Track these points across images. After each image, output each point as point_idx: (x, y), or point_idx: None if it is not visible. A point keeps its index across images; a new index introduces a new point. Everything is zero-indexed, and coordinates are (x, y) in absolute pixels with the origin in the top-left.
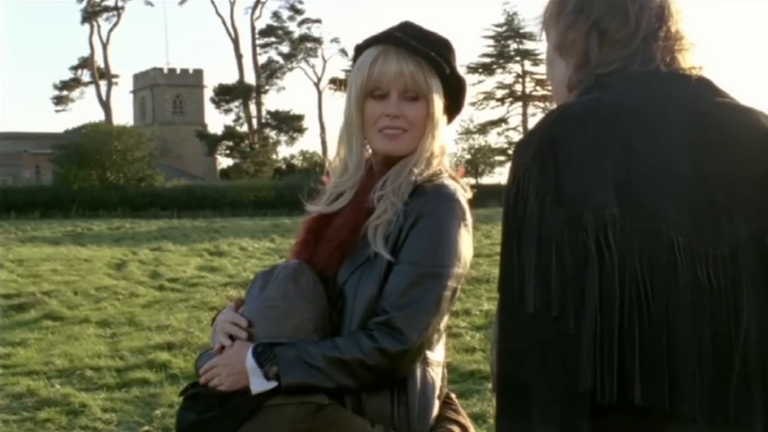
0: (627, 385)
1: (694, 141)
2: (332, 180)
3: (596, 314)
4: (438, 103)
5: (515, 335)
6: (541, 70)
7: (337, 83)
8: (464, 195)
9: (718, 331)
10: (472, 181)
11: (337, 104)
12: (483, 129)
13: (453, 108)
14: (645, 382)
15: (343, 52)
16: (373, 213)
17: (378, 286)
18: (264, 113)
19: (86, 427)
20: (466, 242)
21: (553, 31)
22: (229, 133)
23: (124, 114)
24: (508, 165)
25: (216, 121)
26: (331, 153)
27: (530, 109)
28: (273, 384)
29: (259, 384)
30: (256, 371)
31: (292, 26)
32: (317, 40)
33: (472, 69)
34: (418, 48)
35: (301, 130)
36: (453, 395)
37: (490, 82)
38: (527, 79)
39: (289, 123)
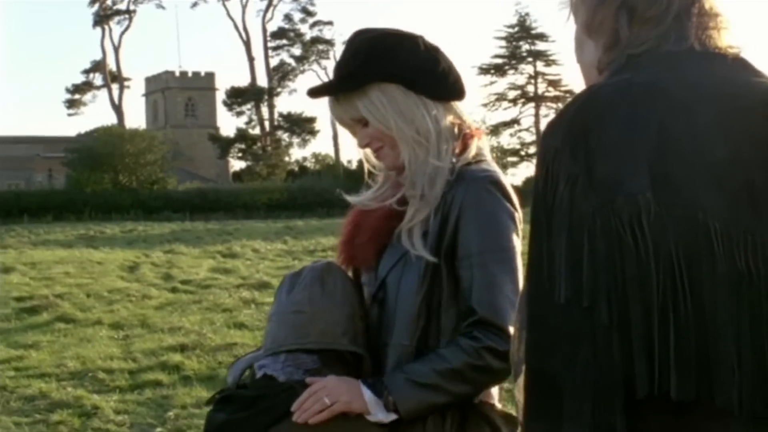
0: (662, 378)
1: (731, 123)
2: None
3: (630, 304)
4: (379, 112)
5: (544, 326)
6: (554, 71)
7: None
8: (499, 175)
9: (757, 320)
10: None
11: None
12: (495, 130)
13: (422, 86)
14: (681, 374)
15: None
16: (405, 214)
17: (420, 284)
18: (276, 115)
19: (99, 429)
20: (516, 224)
21: (581, 11)
22: (242, 135)
23: (136, 117)
24: (522, 165)
25: (228, 123)
26: (344, 155)
27: (543, 110)
28: (393, 416)
29: (381, 416)
30: (378, 404)
31: (303, 28)
32: (329, 42)
33: (484, 70)
34: (324, 87)
35: (313, 132)
36: None
37: (502, 83)
38: (539, 80)
39: (301, 125)
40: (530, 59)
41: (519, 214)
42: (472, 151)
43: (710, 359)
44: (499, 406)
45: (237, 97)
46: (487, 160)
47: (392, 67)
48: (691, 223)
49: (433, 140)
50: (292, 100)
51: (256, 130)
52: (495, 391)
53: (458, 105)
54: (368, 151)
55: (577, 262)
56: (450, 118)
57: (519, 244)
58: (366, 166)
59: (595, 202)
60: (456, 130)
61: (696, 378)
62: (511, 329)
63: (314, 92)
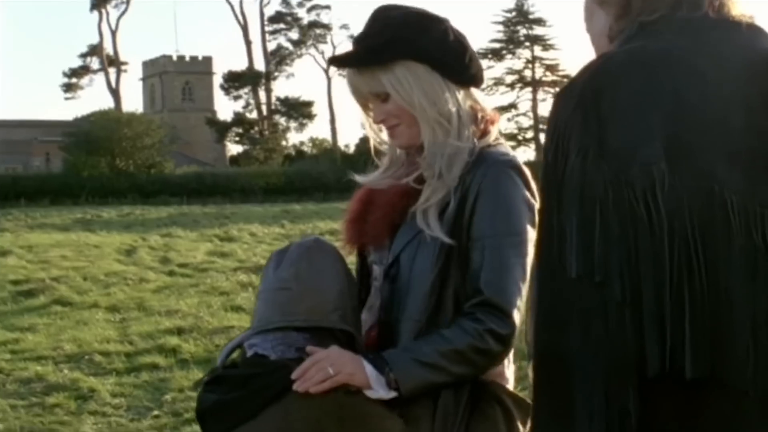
0: (675, 356)
1: (748, 92)
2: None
3: (644, 279)
4: (404, 89)
5: (555, 303)
6: (551, 55)
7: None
8: (517, 159)
9: None
10: None
11: (346, 91)
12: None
13: (450, 70)
14: (695, 352)
15: (352, 38)
16: (421, 193)
17: (434, 262)
18: (273, 100)
19: (95, 412)
20: (531, 206)
21: None
22: (239, 119)
23: (133, 101)
24: (519, 150)
25: (225, 107)
26: (341, 139)
27: (540, 95)
28: (393, 394)
29: (382, 392)
30: (379, 380)
31: (301, 12)
32: (326, 27)
33: (482, 54)
34: (347, 58)
35: (310, 117)
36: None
37: (499, 68)
38: (537, 65)
39: (298, 109)
40: (528, 44)
41: (536, 202)
42: (492, 135)
43: (725, 337)
44: (511, 388)
45: (234, 81)
46: (504, 145)
47: (422, 47)
48: (706, 195)
49: (454, 123)
50: (290, 84)
51: (254, 114)
52: (510, 373)
53: (476, 91)
54: (376, 127)
55: (588, 236)
56: (470, 103)
57: (533, 231)
58: (372, 142)
59: (607, 174)
60: (477, 115)
61: (710, 356)
62: (516, 315)
63: (337, 61)
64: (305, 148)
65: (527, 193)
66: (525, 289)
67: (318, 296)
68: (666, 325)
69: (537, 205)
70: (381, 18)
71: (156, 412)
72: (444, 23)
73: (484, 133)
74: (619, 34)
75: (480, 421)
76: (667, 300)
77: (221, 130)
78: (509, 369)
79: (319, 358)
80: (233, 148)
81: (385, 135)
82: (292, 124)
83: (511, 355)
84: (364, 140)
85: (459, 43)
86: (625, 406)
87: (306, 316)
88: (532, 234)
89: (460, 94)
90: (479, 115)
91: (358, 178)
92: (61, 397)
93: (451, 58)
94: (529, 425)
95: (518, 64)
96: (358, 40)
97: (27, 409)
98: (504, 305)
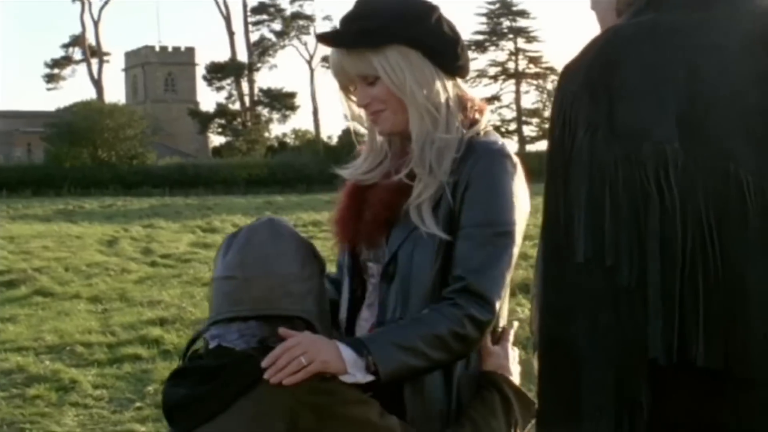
0: (688, 345)
1: (763, 67)
2: (362, 154)
3: (655, 263)
4: (396, 74)
5: (561, 289)
6: (534, 47)
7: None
8: (508, 148)
9: None
10: None
11: (329, 82)
12: None
13: (442, 59)
14: (709, 341)
15: (341, 18)
16: (413, 189)
17: (434, 259)
18: (256, 91)
19: (77, 403)
20: (522, 196)
21: None
22: (222, 111)
23: (116, 92)
24: (506, 140)
25: (208, 99)
26: (324, 131)
27: (523, 87)
28: (370, 377)
29: (359, 376)
30: (357, 363)
31: (284, 3)
32: (309, 18)
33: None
34: (337, 37)
35: (293, 108)
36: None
37: (483, 60)
38: (520, 57)
39: (281, 101)
40: (511, 36)
41: (526, 191)
42: (481, 124)
43: (740, 325)
44: (516, 381)
45: (217, 72)
46: (494, 133)
47: (416, 32)
48: (721, 175)
49: (443, 112)
50: (273, 75)
51: (236, 106)
52: (515, 369)
53: (462, 82)
54: (357, 112)
55: (597, 217)
56: (459, 93)
57: (523, 221)
58: (352, 128)
59: (617, 152)
60: (466, 104)
61: (724, 345)
62: (497, 303)
63: (328, 40)
64: (288, 140)
65: (517, 182)
66: (508, 277)
67: (263, 283)
68: (678, 312)
69: (526, 194)
70: (373, 1)
71: (138, 404)
72: (437, 11)
73: (473, 122)
74: (627, 7)
75: (477, 404)
76: (679, 285)
77: (204, 121)
78: (514, 365)
79: (290, 345)
80: (216, 140)
81: (368, 135)
82: (275, 116)
83: (516, 352)
84: (347, 132)
85: (452, 32)
86: (635, 399)
87: (252, 305)
88: (521, 222)
89: (450, 84)
90: (468, 105)
91: (342, 172)
92: (42, 389)
93: (443, 46)
94: (529, 419)
95: (501, 56)
96: (348, 21)
97: (7, 401)
98: (485, 292)
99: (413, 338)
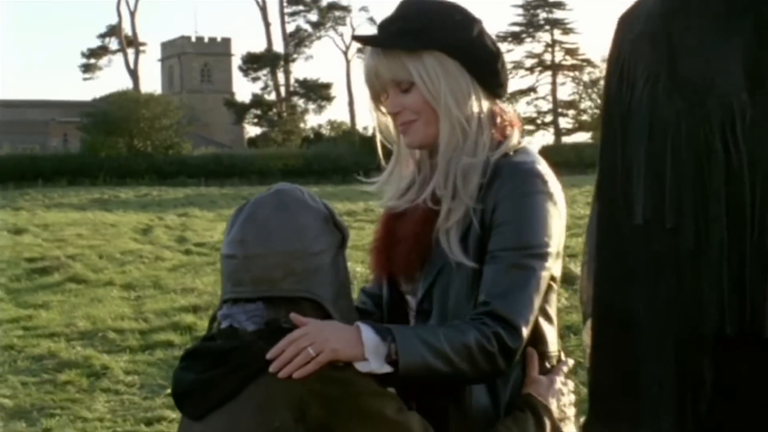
0: (756, 313)
1: None
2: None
3: (720, 226)
4: (432, 82)
5: (618, 253)
6: (571, 39)
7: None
8: (542, 166)
9: None
10: None
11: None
12: (512, 98)
13: (480, 72)
14: None
15: (372, 20)
16: (439, 214)
17: (469, 291)
18: (292, 81)
19: (108, 389)
20: (555, 218)
21: None
22: (257, 101)
23: (151, 82)
24: (538, 134)
25: (244, 89)
26: (360, 122)
27: (559, 79)
28: (387, 369)
29: (375, 365)
30: (378, 350)
31: None
32: (345, 9)
33: (501, 38)
34: (376, 39)
35: (329, 99)
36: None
37: (519, 51)
38: (557, 48)
39: (317, 91)
40: (547, 27)
41: (561, 208)
42: (512, 140)
43: None
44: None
45: (253, 62)
46: (527, 150)
47: (457, 41)
48: None
49: (473, 127)
50: (308, 66)
51: (272, 96)
52: (569, 409)
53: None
54: (384, 123)
55: (658, 175)
56: (492, 109)
57: (556, 242)
58: (378, 137)
59: (679, 105)
60: (496, 119)
61: None
62: (524, 330)
63: (364, 39)
64: (324, 131)
65: (549, 202)
66: (538, 300)
67: (264, 262)
68: (746, 278)
69: (561, 209)
70: (415, 3)
71: (169, 390)
72: (480, 24)
73: (503, 138)
74: None
75: (509, 422)
76: (747, 250)
77: (239, 111)
78: (562, 403)
79: (295, 337)
80: (251, 130)
81: (395, 150)
82: (311, 106)
83: (570, 396)
84: None
85: (494, 46)
86: (698, 373)
87: (253, 286)
88: (554, 243)
89: (485, 99)
90: (498, 120)
91: (370, 188)
92: (73, 374)
93: (483, 59)
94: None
95: (538, 48)
96: (387, 22)
97: (38, 387)
98: (510, 317)
99: (441, 340)
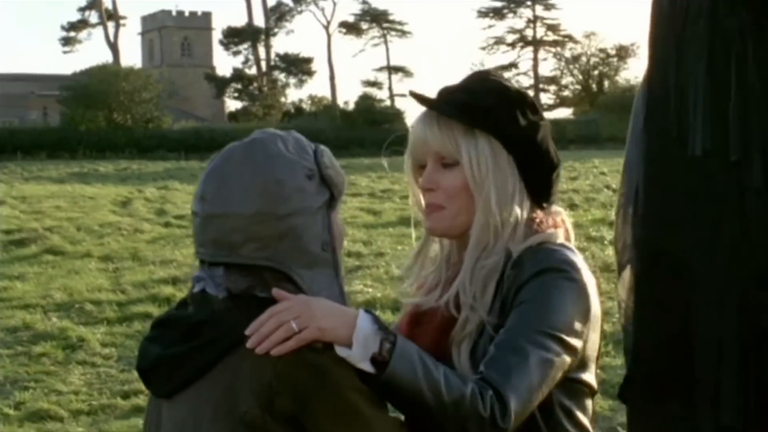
0: None
1: None
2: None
3: None
4: (479, 167)
5: (671, 192)
6: (553, 15)
7: (347, 27)
8: (576, 258)
9: None
10: None
11: (346, 48)
12: None
13: (532, 177)
14: None
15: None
16: (457, 322)
17: None
18: (273, 56)
19: (84, 362)
20: (581, 309)
21: None
22: (238, 75)
23: (132, 56)
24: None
25: (224, 63)
26: (341, 96)
27: (541, 54)
28: (369, 368)
29: (356, 355)
30: (369, 342)
31: None
32: None
33: (483, 13)
34: (434, 103)
35: (310, 73)
36: None
37: (501, 27)
38: (538, 24)
39: (298, 65)
40: (529, 3)
41: (593, 306)
42: (544, 235)
43: None
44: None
45: (234, 36)
46: (563, 243)
47: (519, 137)
48: None
49: (506, 234)
50: (289, 40)
51: (253, 71)
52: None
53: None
54: (420, 199)
55: (720, 99)
56: (532, 216)
57: (583, 336)
58: (413, 209)
59: (745, 18)
60: (534, 227)
61: None
62: (514, 407)
63: (421, 98)
64: (304, 105)
65: (578, 291)
66: (541, 385)
67: (222, 224)
68: None
69: (591, 310)
70: (484, 79)
71: None
72: (547, 125)
73: (533, 233)
74: None
75: None
76: None
77: (220, 85)
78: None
79: (278, 309)
80: (232, 104)
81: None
82: (292, 81)
83: None
84: (364, 98)
85: (555, 155)
86: (765, 328)
87: (212, 250)
88: (575, 335)
89: (527, 206)
90: (534, 226)
91: (398, 271)
92: (48, 347)
93: (539, 166)
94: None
95: (519, 24)
96: (450, 90)
97: (12, 359)
98: (503, 390)
99: (440, 372)
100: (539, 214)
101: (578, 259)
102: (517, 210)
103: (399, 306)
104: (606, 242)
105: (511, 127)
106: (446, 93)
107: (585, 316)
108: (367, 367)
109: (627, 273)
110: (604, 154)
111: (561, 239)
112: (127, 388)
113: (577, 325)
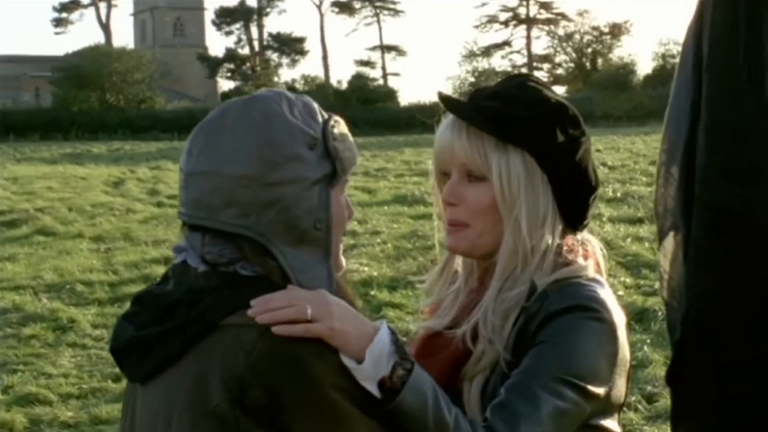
0: None
1: None
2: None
3: None
4: (509, 185)
5: (738, 142)
6: None
7: (339, 6)
8: (607, 295)
9: None
10: None
11: (338, 27)
12: (487, 52)
13: (568, 199)
14: None
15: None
16: (473, 355)
17: None
18: (265, 35)
19: (74, 344)
20: (607, 352)
21: None
22: (231, 55)
23: (124, 37)
24: None
25: (217, 43)
26: (333, 76)
27: (534, 32)
28: (375, 391)
29: (368, 371)
30: (383, 361)
31: None
32: None
33: None
34: (464, 110)
35: (302, 53)
36: None
37: (493, 5)
38: (531, 2)
39: (290, 45)
40: None
41: (622, 349)
42: (574, 268)
43: None
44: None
45: (226, 16)
46: (595, 278)
47: (558, 154)
48: None
49: (535, 261)
50: (282, 20)
51: (245, 50)
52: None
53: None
54: (439, 205)
55: None
56: (564, 242)
57: (608, 383)
58: (436, 223)
59: None
60: (561, 251)
61: None
62: None
63: (449, 103)
64: (297, 85)
65: (606, 333)
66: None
67: (202, 183)
68: None
69: (620, 353)
70: (523, 86)
71: None
72: (588, 141)
73: (564, 264)
74: None
75: None
76: None
77: (213, 65)
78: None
79: (296, 294)
80: (225, 84)
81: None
82: (284, 60)
83: None
84: (357, 77)
85: (595, 175)
86: None
87: (191, 210)
88: (598, 383)
89: (559, 231)
90: (564, 249)
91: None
92: (38, 328)
93: (577, 187)
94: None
95: (512, 2)
96: (483, 96)
97: (1, 341)
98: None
99: (451, 411)
100: (569, 240)
101: (609, 296)
102: (548, 236)
103: (395, 285)
104: (604, 219)
105: (548, 143)
106: (479, 98)
107: (612, 360)
108: (373, 389)
109: (669, 241)
110: (599, 131)
111: (592, 272)
112: (118, 370)
113: (603, 371)
